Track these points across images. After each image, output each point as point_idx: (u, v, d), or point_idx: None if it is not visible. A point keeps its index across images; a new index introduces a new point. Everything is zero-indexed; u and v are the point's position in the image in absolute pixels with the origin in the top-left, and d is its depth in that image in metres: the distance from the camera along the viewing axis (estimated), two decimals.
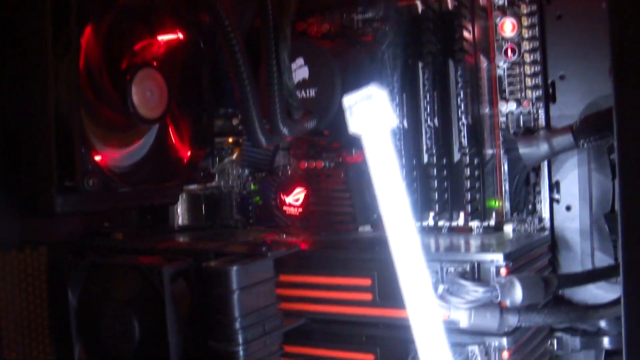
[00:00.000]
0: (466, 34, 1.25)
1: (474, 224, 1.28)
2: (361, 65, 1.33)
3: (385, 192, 0.78)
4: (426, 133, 1.25)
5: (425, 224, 1.31)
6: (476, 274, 1.03)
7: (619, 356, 1.10)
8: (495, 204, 1.28)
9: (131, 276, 1.16)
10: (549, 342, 1.22)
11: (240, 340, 1.05)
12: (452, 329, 1.02)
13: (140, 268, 1.14)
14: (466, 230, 1.29)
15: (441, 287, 1.02)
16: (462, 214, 1.28)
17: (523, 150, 1.17)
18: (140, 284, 1.14)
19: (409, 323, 1.09)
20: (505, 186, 1.27)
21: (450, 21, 1.24)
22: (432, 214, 1.30)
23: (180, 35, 1.37)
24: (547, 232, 1.26)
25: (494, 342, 1.04)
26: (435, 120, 1.24)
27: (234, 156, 1.52)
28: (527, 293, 0.98)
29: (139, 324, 1.14)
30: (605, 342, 1.21)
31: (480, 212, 1.27)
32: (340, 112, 1.27)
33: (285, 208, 1.46)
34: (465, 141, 1.24)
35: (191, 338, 1.12)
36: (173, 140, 1.37)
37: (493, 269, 1.02)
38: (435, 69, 1.26)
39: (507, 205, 1.27)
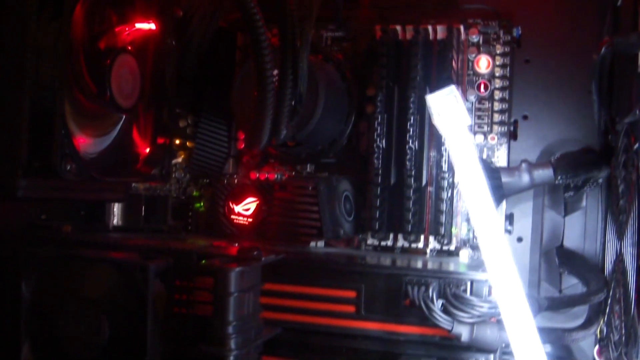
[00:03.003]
0: (453, 64, 1.30)
1: (432, 246, 1.31)
2: (337, 82, 1.34)
3: (468, 185, 0.88)
4: (406, 154, 1.27)
5: (384, 243, 1.33)
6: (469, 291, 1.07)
7: None
8: (455, 229, 1.32)
9: (104, 272, 1.07)
10: None
11: (233, 345, 1.01)
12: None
13: (120, 264, 1.06)
14: (420, 252, 1.32)
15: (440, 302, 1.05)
16: (422, 237, 1.32)
17: (505, 179, 1.23)
18: (116, 281, 1.06)
19: (392, 337, 1.12)
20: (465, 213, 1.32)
21: (442, 50, 1.28)
22: (392, 234, 1.32)
23: (153, 26, 1.30)
24: None
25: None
26: (416, 143, 1.27)
27: (180, 159, 1.46)
28: None
29: (109, 325, 1.05)
30: None
31: (443, 235, 1.30)
32: (317, 124, 1.27)
33: (233, 217, 1.42)
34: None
35: (166, 341, 1.05)
36: (135, 133, 1.30)
37: (486, 288, 1.07)
38: (415, 94, 1.28)
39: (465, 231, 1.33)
